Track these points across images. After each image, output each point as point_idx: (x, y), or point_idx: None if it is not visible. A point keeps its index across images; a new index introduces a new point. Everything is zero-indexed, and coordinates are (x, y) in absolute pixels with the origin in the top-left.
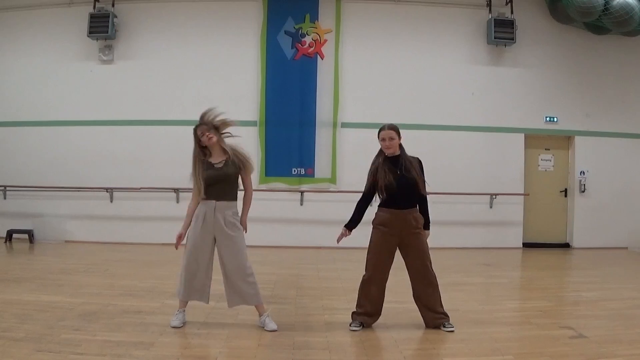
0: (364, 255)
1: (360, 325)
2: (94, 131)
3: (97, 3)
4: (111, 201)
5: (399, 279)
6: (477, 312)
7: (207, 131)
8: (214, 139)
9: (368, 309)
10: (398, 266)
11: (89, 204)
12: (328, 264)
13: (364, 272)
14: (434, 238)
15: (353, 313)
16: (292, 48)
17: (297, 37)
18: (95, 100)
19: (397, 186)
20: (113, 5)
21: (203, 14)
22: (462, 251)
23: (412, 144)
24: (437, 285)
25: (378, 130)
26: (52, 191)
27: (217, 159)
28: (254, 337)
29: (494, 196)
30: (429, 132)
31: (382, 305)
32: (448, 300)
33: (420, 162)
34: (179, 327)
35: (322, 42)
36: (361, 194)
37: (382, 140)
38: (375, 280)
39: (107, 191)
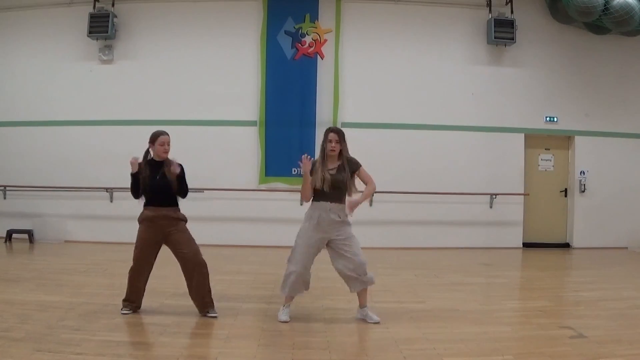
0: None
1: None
2: (94, 131)
3: (97, 3)
4: (111, 201)
5: (399, 278)
6: (477, 312)
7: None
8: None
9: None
10: (398, 265)
11: (89, 204)
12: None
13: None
14: (435, 238)
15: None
16: (292, 48)
17: (297, 37)
18: (95, 100)
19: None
20: (113, 5)
21: (203, 14)
22: (462, 251)
23: (412, 144)
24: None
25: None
26: (52, 191)
27: (332, 165)
28: (254, 337)
29: (494, 196)
30: (429, 132)
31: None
32: (448, 300)
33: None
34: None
35: (322, 42)
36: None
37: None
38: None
39: (107, 191)
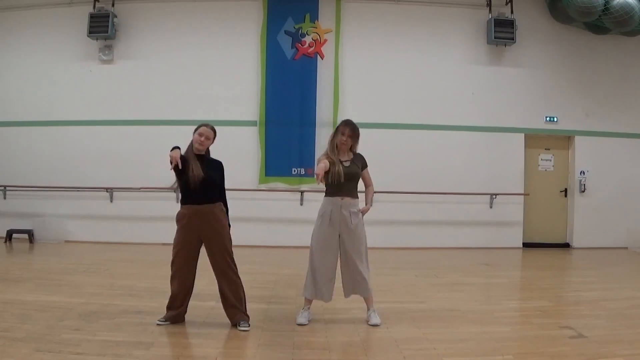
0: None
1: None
2: (94, 131)
3: (97, 3)
4: (111, 201)
5: (399, 278)
6: (477, 312)
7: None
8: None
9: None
10: (398, 265)
11: (89, 204)
12: None
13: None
14: (435, 238)
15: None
16: (292, 48)
17: (297, 37)
18: (95, 100)
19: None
20: (113, 5)
21: (203, 14)
22: (462, 251)
23: (412, 144)
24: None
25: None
26: (52, 191)
27: (344, 158)
28: (254, 337)
29: (494, 196)
30: (429, 132)
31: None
32: (448, 300)
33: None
34: (305, 325)
35: (322, 42)
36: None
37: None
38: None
39: (107, 191)
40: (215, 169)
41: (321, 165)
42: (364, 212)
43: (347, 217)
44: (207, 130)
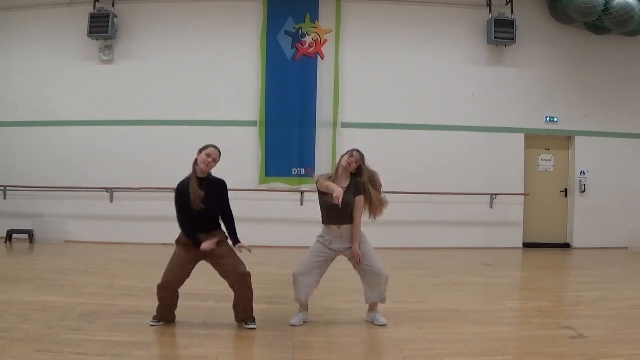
0: None
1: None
2: (94, 131)
3: (97, 3)
4: (111, 201)
5: (399, 278)
6: (477, 312)
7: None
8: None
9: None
10: (399, 266)
11: (89, 204)
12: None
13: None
14: (435, 238)
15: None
16: (292, 48)
17: (297, 37)
18: (95, 100)
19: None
20: (113, 5)
21: (203, 14)
22: (462, 251)
23: (412, 144)
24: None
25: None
26: (52, 191)
27: (342, 184)
28: (254, 337)
29: (494, 196)
30: (429, 132)
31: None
32: (448, 300)
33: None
34: (296, 325)
35: (322, 42)
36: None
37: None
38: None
39: (107, 191)
40: (215, 194)
41: (339, 189)
42: (354, 255)
43: (347, 249)
44: (214, 152)
